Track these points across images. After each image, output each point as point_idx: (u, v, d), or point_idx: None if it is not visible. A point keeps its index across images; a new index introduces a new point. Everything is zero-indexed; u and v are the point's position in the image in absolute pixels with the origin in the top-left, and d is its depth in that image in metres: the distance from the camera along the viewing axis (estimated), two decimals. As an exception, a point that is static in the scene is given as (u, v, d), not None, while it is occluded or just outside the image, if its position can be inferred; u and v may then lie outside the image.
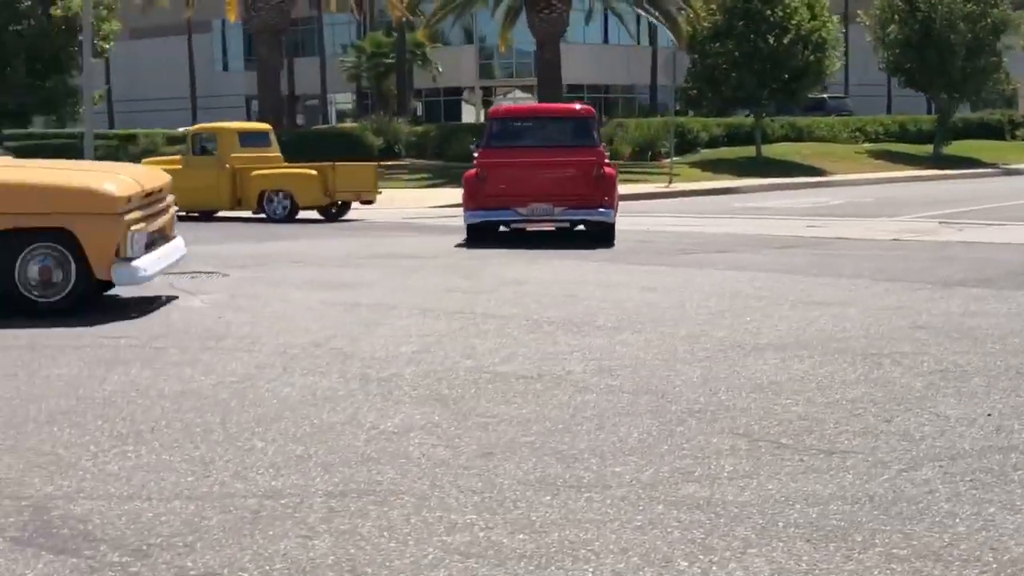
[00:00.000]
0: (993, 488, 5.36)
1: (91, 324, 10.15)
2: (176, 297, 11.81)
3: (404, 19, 44.82)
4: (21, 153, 41.63)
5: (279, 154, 26.10)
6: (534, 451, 6.04)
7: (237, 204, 24.82)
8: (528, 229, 18.90)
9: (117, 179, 11.23)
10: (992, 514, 5.00)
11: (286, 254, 16.43)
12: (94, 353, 8.84)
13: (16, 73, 40.46)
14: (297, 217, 24.19)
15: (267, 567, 4.54)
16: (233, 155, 24.55)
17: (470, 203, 18.57)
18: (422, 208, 29.45)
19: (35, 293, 10.75)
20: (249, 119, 74.42)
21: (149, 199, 11.45)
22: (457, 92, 73.12)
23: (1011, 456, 5.86)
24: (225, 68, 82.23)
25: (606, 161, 18.76)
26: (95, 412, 6.97)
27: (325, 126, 55.27)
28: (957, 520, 4.93)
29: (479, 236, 18.46)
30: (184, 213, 18.78)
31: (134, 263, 10.81)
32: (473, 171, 18.71)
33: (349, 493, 5.41)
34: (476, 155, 18.88)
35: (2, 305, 10.67)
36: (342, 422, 6.69)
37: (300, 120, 73.81)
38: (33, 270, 10.71)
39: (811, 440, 6.20)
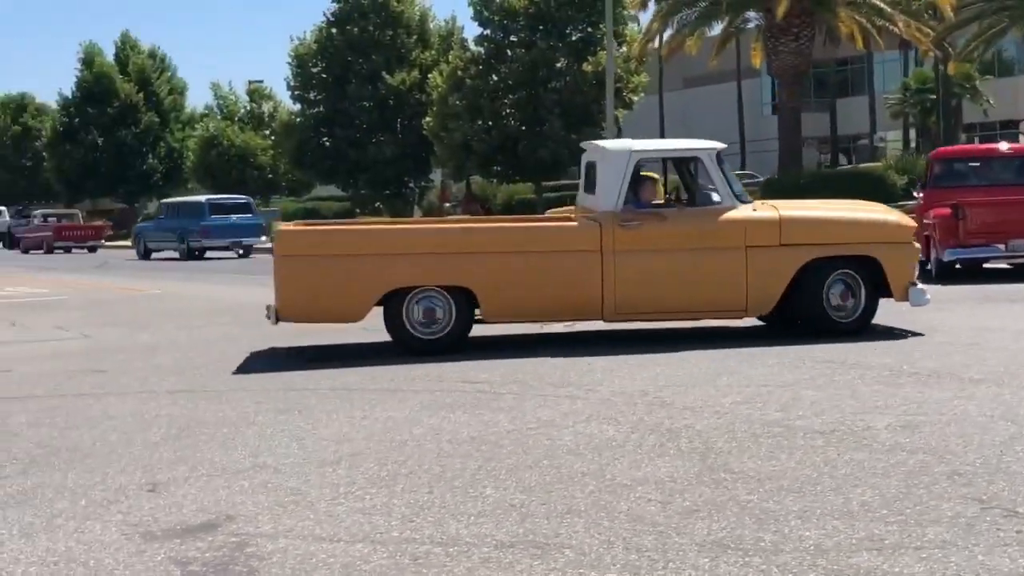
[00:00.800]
0: None
1: (461, 360, 10.74)
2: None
3: (931, 53, 43.25)
4: (556, 204, 44.09)
5: None
6: (741, 510, 5.78)
7: None
8: (984, 266, 18.19)
9: (900, 214, 12.71)
10: None
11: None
12: (439, 396, 9.28)
13: (551, 127, 42.76)
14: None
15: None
16: None
17: (948, 240, 18.15)
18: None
19: (836, 315, 11.95)
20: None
21: None
22: (1014, 124, 69.41)
23: None
24: (773, 112, 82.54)
25: None
26: (379, 455, 7.34)
27: (848, 167, 54.24)
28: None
29: (948, 274, 18.04)
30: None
31: (919, 287, 12.03)
32: (947, 209, 18.23)
33: (517, 544, 5.43)
34: (920, 197, 18.76)
35: (810, 326, 12.02)
36: (586, 472, 6.68)
37: (853, 159, 72.98)
38: (834, 295, 11.93)
39: (1053, 511, 5.53)
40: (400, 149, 50.83)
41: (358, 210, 56.63)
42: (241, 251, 40.89)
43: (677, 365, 10.49)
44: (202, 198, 44.97)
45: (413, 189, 54.83)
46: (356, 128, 51.57)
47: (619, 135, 45.79)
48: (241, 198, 44.18)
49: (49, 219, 58.40)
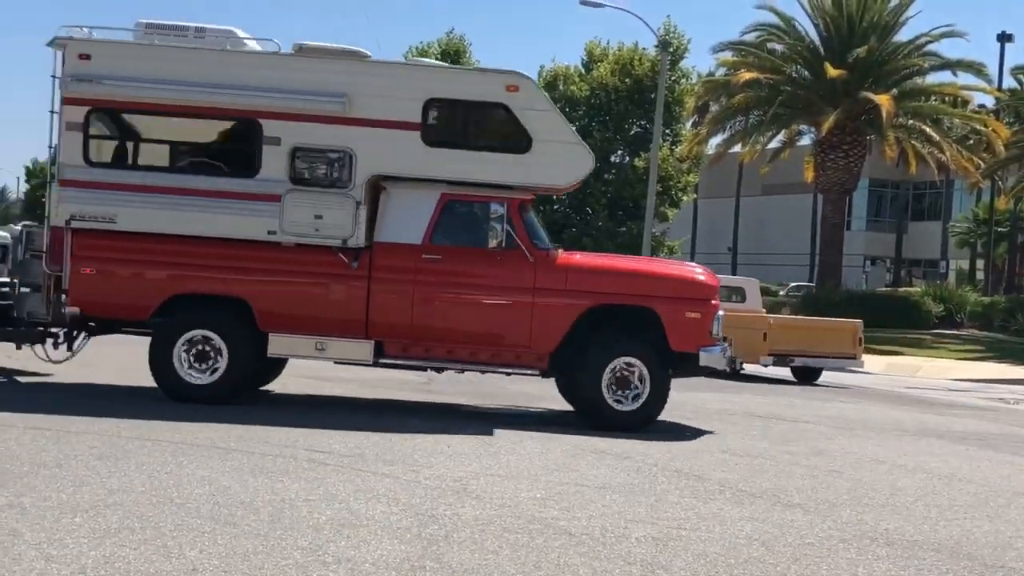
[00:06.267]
0: None
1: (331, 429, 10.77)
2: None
3: (980, 185, 42.93)
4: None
5: None
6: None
7: None
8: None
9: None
10: None
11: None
12: (267, 461, 9.31)
13: (597, 218, 42.93)
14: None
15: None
16: None
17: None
18: (941, 379, 28.02)
19: None
20: (864, 278, 74.41)
21: None
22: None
23: None
24: (848, 227, 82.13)
25: None
26: (133, 509, 7.41)
27: (886, 290, 53.43)
28: None
29: None
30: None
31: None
32: None
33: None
34: None
35: None
36: (302, 548, 6.71)
37: (919, 284, 72.22)
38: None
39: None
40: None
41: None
42: None
43: (532, 455, 10.47)
44: None
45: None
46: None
47: (663, 233, 45.73)
48: None
49: None
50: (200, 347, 12.76)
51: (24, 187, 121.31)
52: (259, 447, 9.96)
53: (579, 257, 13.86)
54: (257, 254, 12.82)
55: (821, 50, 39.70)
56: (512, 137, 13.02)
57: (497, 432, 11.94)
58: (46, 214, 13.14)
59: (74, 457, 8.98)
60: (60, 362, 13.62)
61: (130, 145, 13.52)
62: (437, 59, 52.78)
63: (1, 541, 6.40)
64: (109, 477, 8.29)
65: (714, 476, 10.11)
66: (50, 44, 12.91)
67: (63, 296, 12.99)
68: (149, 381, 13.08)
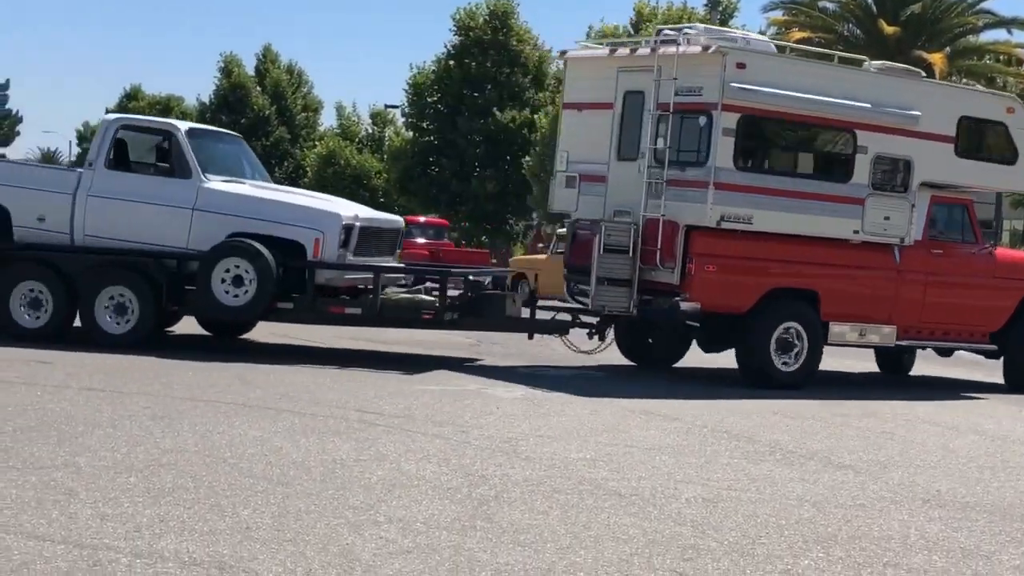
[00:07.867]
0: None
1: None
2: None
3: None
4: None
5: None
6: (429, 552, 5.82)
7: None
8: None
9: None
10: None
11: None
12: (319, 421, 9.38)
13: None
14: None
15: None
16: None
17: None
18: (994, 340, 27.70)
19: None
20: None
21: None
22: None
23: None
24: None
25: None
26: (186, 469, 7.49)
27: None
28: None
29: None
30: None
31: None
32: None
33: (203, 563, 5.54)
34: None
35: None
36: (355, 507, 6.77)
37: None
38: None
39: None
40: (502, 186, 51.11)
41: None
42: None
43: (581, 417, 10.49)
44: None
45: (514, 227, 55.04)
46: (462, 160, 52.01)
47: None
48: None
49: None
50: (782, 337, 13.78)
51: (76, 151, 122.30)
52: (310, 408, 10.03)
53: (1004, 250, 16.32)
54: (828, 251, 14.16)
55: (873, 8, 39.19)
56: (1005, 151, 15.23)
57: (546, 393, 11.98)
58: (652, 211, 13.57)
59: (128, 417, 9.07)
60: (590, 352, 14.60)
61: (766, 150, 14.51)
62: (485, 21, 52.70)
63: (57, 500, 6.48)
64: (163, 437, 8.37)
65: (764, 437, 10.10)
66: (711, 51, 13.49)
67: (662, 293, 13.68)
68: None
